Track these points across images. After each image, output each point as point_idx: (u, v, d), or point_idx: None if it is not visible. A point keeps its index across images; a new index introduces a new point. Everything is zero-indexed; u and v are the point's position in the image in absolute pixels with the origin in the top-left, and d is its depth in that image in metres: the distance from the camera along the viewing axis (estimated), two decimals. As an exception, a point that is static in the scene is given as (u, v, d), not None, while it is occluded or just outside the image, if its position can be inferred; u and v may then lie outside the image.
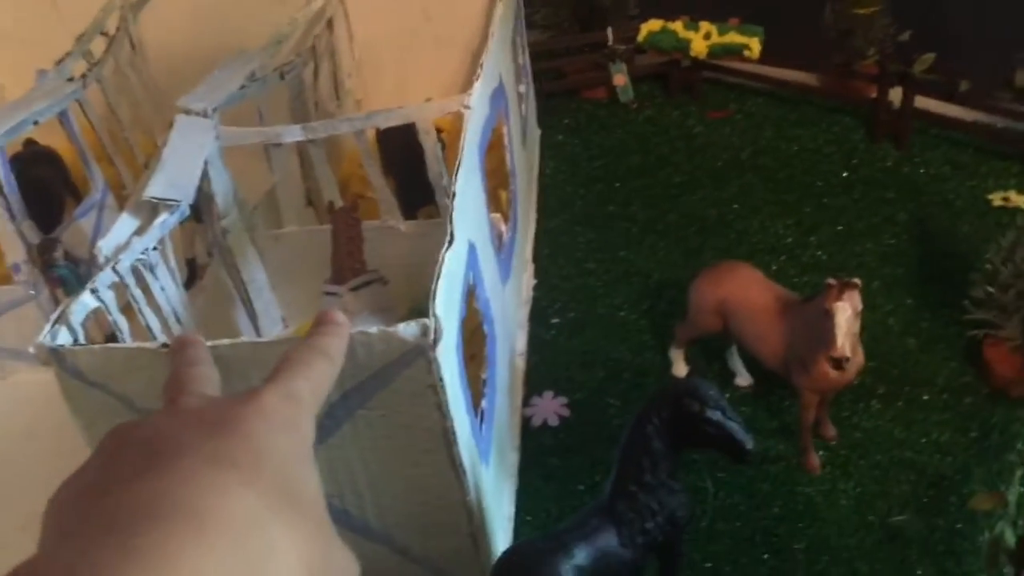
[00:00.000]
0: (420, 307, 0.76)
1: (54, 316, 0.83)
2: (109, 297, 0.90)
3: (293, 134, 1.13)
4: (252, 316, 1.25)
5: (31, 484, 1.19)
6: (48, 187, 1.34)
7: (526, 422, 1.11)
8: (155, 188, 0.98)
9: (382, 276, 1.10)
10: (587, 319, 1.26)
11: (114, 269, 0.92)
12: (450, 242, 0.86)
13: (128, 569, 0.27)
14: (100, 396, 0.80)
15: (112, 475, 0.33)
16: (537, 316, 1.27)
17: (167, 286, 1.00)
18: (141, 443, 0.34)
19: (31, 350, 0.80)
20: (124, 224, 0.98)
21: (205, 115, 1.13)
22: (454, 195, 0.92)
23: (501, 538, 0.94)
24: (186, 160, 1.04)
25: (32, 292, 1.20)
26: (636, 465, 0.76)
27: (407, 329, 0.75)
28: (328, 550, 0.34)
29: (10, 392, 1.27)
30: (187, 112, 1.13)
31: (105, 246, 0.95)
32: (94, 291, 0.88)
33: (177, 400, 0.38)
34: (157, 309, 0.98)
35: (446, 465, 0.82)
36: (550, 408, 1.12)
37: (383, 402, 0.79)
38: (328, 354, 0.41)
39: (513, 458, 1.07)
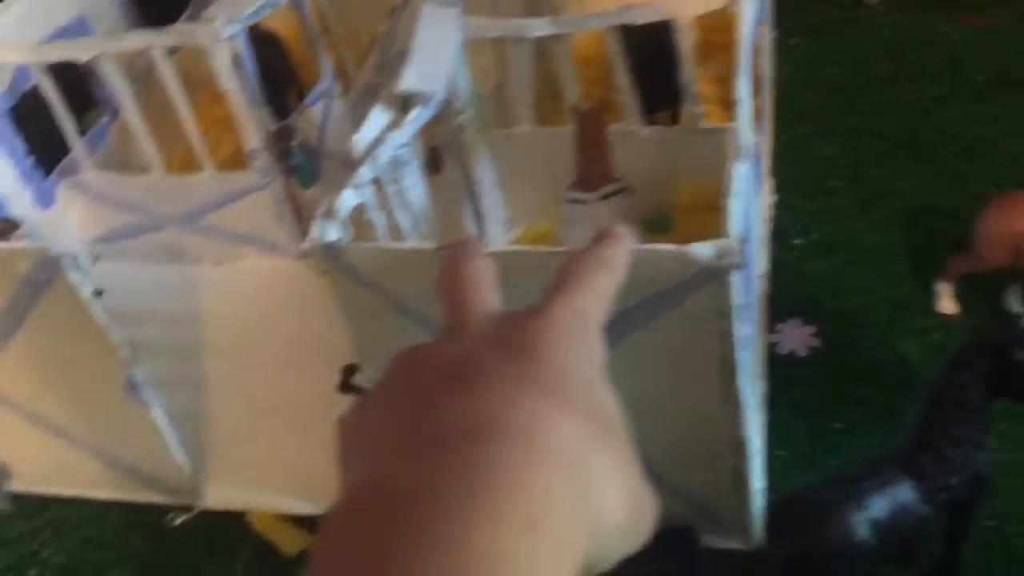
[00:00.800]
0: (656, 219, 0.71)
1: (321, 211, 0.81)
2: (369, 193, 0.88)
3: (540, 28, 1.06)
4: (478, 215, 1.22)
5: (263, 372, 1.22)
6: (275, 71, 1.33)
7: (771, 349, 1.04)
8: (408, 80, 0.94)
9: (628, 184, 1.04)
10: (832, 242, 1.17)
11: (373, 164, 0.89)
12: (740, 156, 0.79)
13: (476, 483, 0.26)
14: (369, 295, 0.78)
15: (416, 399, 0.31)
16: (777, 236, 1.19)
17: (415, 183, 0.97)
18: (438, 368, 0.32)
19: (304, 246, 0.78)
20: (377, 117, 0.94)
21: (448, 4, 1.08)
22: (737, 103, 0.84)
23: (756, 473, 0.88)
24: (436, 52, 1.00)
25: (266, 179, 1.20)
26: (945, 416, 0.69)
27: (702, 250, 0.69)
28: (638, 481, 0.32)
29: (239, 276, 1.29)
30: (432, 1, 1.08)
31: (360, 139, 0.92)
32: (357, 186, 0.86)
33: (465, 322, 0.35)
34: (408, 206, 0.95)
35: (719, 396, 0.77)
36: (798, 337, 1.05)
37: (663, 324, 0.73)
38: (612, 267, 0.38)
39: (760, 387, 1.01)
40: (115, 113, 1.36)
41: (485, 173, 1.20)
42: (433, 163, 1.14)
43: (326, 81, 1.30)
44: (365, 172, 0.88)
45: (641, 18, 1.04)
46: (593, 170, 1.01)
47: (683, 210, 1.15)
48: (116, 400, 0.92)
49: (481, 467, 0.27)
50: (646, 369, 0.77)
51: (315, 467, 1.02)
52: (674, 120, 1.20)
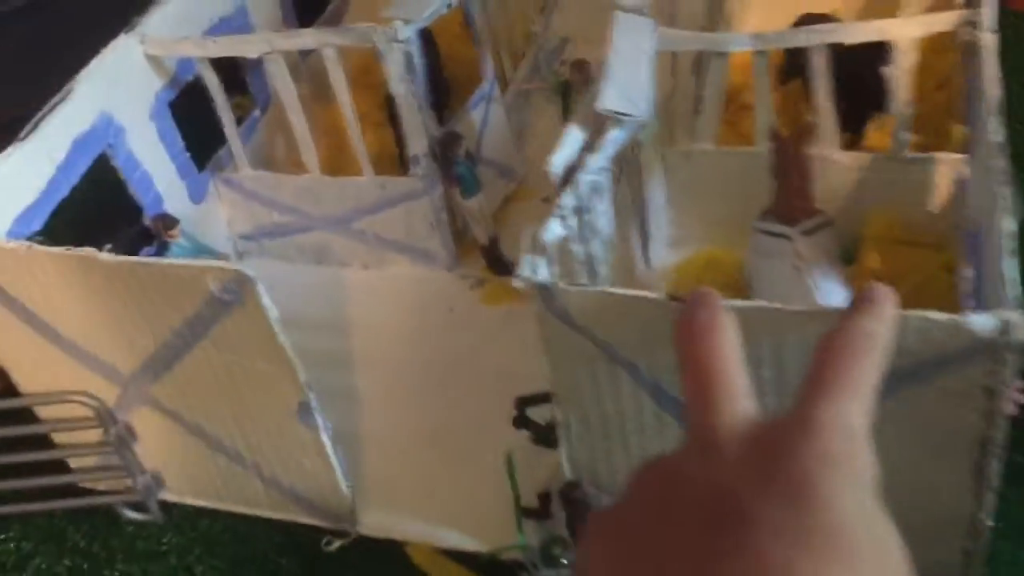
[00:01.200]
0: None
1: (527, 243, 0.75)
2: (573, 223, 0.82)
3: (741, 43, 0.99)
4: (644, 238, 1.15)
5: (421, 391, 1.17)
6: (432, 72, 1.27)
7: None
8: (609, 99, 0.88)
9: (830, 217, 0.96)
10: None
11: (575, 191, 0.83)
12: (1003, 211, 0.70)
13: None
14: (580, 340, 0.72)
15: (672, 540, 0.29)
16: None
17: (607, 210, 0.91)
18: (695, 500, 0.29)
19: (515, 283, 0.72)
20: (573, 137, 0.88)
21: (640, 12, 1.01)
22: (991, 143, 0.75)
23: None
24: (634, 66, 0.93)
25: (427, 187, 1.15)
26: None
27: (982, 322, 0.61)
28: None
29: (388, 283, 1.24)
30: (622, 8, 1.01)
31: (556, 162, 0.86)
32: (562, 216, 0.80)
33: (716, 429, 0.31)
34: (599, 234, 0.89)
35: (967, 474, 0.70)
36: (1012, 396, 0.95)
37: (913, 395, 0.66)
38: (878, 346, 0.33)
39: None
40: (265, 106, 1.32)
41: (656, 193, 1.13)
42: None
43: (487, 84, 1.24)
44: (568, 199, 0.82)
45: (855, 37, 0.95)
46: (794, 201, 0.94)
47: (871, 242, 1.07)
48: (284, 421, 0.88)
49: None
50: (884, 438, 0.70)
51: (479, 500, 0.97)
52: (854, 145, 1.11)
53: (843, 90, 1.06)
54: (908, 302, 1.00)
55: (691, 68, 1.11)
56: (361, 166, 1.17)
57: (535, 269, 0.72)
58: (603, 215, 0.90)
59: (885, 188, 1.06)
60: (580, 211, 0.84)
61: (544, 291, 0.71)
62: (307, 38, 1.07)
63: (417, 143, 1.12)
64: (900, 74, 0.96)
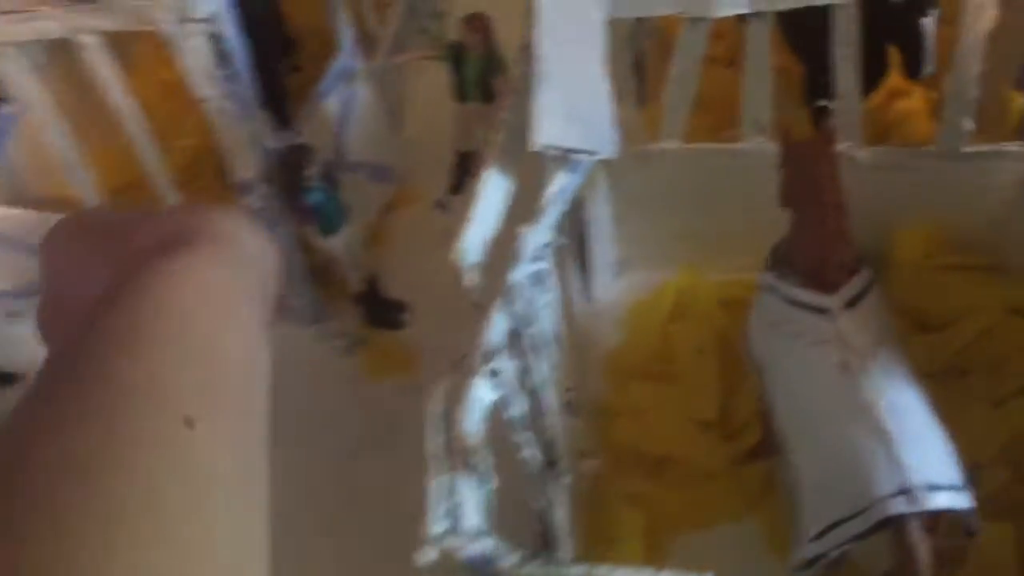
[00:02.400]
0: None
1: (435, 448, 0.41)
2: (510, 368, 0.47)
3: (734, 3, 0.64)
4: (585, 265, 0.82)
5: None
6: (264, 40, 0.88)
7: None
8: (551, 127, 0.52)
9: (870, 269, 0.64)
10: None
11: (507, 307, 0.48)
12: None
13: None
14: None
15: None
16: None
17: (552, 299, 0.57)
18: None
19: (418, 557, 0.38)
20: (490, 198, 0.53)
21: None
22: None
23: None
24: (583, 62, 0.57)
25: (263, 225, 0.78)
26: None
27: None
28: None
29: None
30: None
31: (467, 250, 0.50)
32: (492, 369, 0.45)
33: None
34: (543, 341, 0.55)
35: None
36: None
37: None
38: None
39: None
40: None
41: (599, 210, 0.79)
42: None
43: (344, 57, 0.86)
44: (497, 326, 0.47)
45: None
46: (828, 254, 0.61)
47: (904, 270, 0.76)
48: None
49: None
50: None
51: None
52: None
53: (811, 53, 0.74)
54: (967, 362, 0.71)
55: (626, 37, 0.75)
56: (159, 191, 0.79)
57: (454, 526, 0.38)
58: (545, 311, 0.56)
59: (923, 193, 0.75)
60: (517, 334, 0.49)
61: (481, 571, 0.38)
62: (49, 22, 0.67)
63: (245, 166, 0.74)
64: (971, 36, 0.64)
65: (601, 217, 0.80)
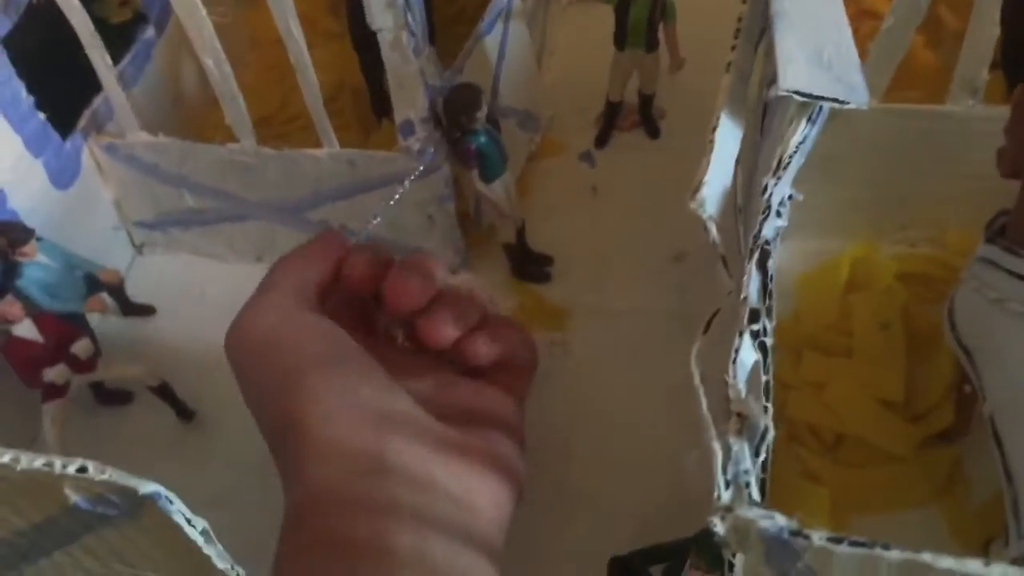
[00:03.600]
0: None
1: (726, 471, 0.37)
2: (767, 326, 0.43)
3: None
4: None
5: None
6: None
7: None
8: (797, 72, 0.48)
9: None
10: None
11: (762, 264, 0.44)
12: None
13: None
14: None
15: None
16: None
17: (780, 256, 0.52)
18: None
19: (713, 524, 0.35)
20: (723, 149, 0.49)
21: None
22: None
23: None
24: (824, 4, 0.52)
25: (425, 166, 0.74)
26: None
27: None
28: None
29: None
30: None
31: (706, 200, 0.46)
32: (757, 334, 0.41)
33: None
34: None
35: None
36: None
37: None
38: None
39: None
40: (162, 19, 0.88)
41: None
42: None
43: (503, -6, 0.81)
44: (753, 283, 0.43)
45: None
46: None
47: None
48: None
49: None
50: None
51: None
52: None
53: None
54: None
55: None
56: (316, 124, 0.75)
57: (756, 515, 0.34)
58: (774, 272, 0.51)
59: None
60: (767, 293, 0.45)
61: (783, 548, 0.34)
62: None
63: (411, 104, 0.70)
64: None
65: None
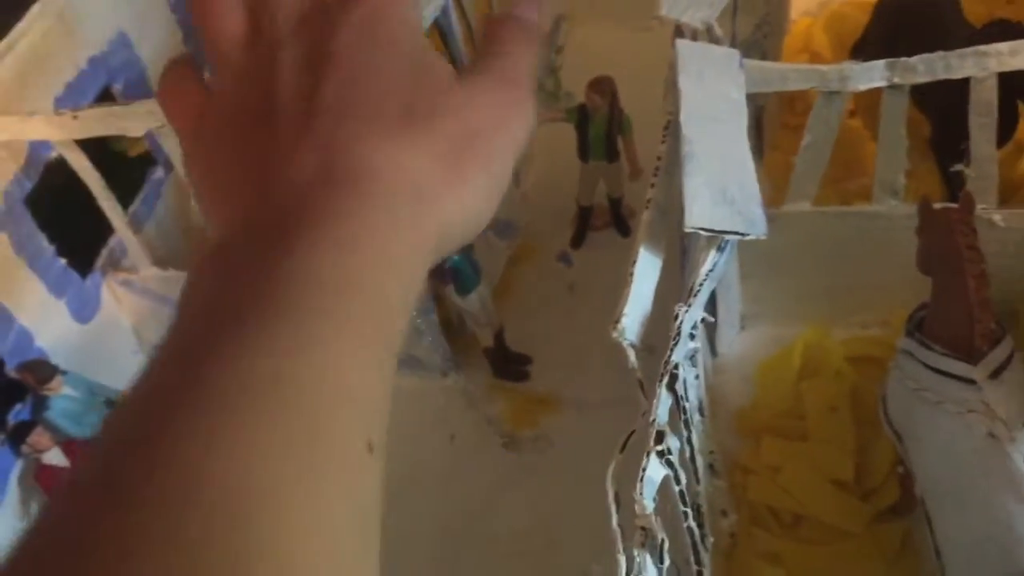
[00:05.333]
0: None
1: (626, 538, 0.43)
2: (676, 445, 0.49)
3: (871, 75, 0.66)
4: (711, 324, 0.83)
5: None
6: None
7: None
8: (701, 209, 0.55)
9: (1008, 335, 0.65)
10: None
11: (671, 386, 0.51)
12: None
13: None
14: None
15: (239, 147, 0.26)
16: None
17: (701, 371, 0.59)
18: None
19: None
20: (643, 278, 0.55)
21: (710, 32, 0.67)
22: None
23: None
24: (728, 139, 0.60)
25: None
26: None
27: None
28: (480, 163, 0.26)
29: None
30: (683, 30, 0.67)
31: (627, 326, 0.53)
32: (660, 452, 0.47)
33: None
34: (693, 415, 0.57)
35: None
36: None
37: None
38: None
39: None
40: (169, 164, 0.97)
41: (728, 268, 0.81)
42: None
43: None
44: (663, 404, 0.50)
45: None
46: (972, 323, 0.62)
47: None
48: None
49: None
50: None
51: None
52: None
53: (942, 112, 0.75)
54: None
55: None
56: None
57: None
58: (693, 385, 0.58)
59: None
60: (679, 411, 0.52)
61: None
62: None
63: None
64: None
65: (728, 275, 0.82)
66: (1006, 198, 0.86)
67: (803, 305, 0.84)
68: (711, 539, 0.63)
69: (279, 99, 0.26)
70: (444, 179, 0.25)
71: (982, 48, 0.63)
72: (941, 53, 0.64)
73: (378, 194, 0.24)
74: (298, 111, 0.25)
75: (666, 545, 0.43)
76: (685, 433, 0.53)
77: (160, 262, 0.90)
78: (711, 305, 0.82)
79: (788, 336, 0.85)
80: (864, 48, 0.93)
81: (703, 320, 0.56)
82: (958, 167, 0.72)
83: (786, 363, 0.82)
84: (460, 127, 0.26)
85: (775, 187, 0.81)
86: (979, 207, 0.73)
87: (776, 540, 0.72)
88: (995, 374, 0.61)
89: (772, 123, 0.96)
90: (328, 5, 0.27)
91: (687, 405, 0.52)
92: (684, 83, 0.62)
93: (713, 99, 0.61)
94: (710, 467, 0.65)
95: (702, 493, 0.58)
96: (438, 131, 0.26)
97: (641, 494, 0.44)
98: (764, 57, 0.91)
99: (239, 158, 0.26)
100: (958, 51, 0.63)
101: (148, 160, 0.96)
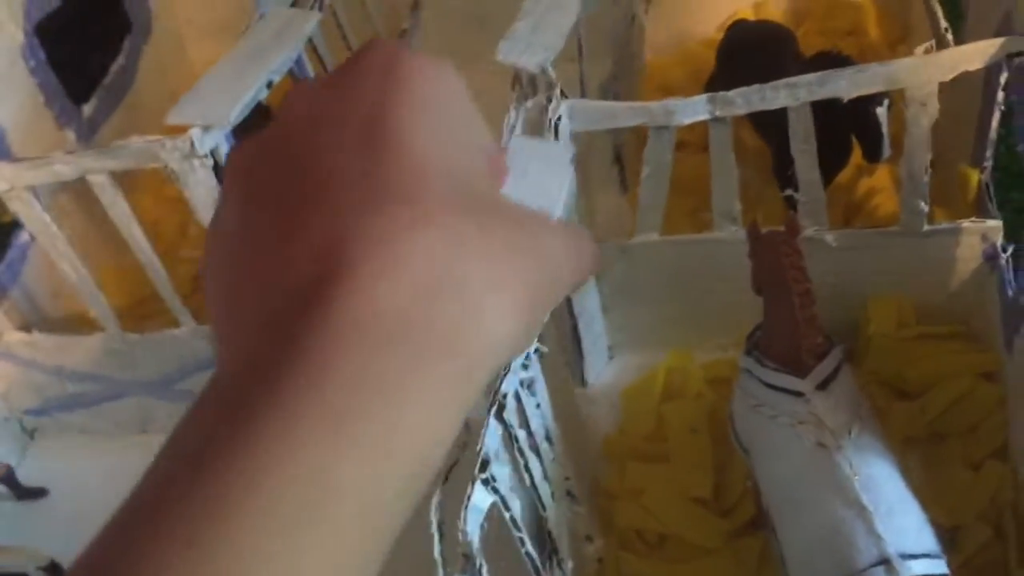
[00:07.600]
0: None
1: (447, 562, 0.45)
2: (505, 475, 0.51)
3: (694, 111, 0.69)
4: (578, 356, 0.86)
5: None
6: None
7: None
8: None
9: (837, 345, 0.68)
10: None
11: (499, 415, 0.52)
12: None
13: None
14: None
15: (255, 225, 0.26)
16: None
17: (543, 400, 0.61)
18: (275, 170, 0.26)
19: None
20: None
21: (547, 80, 0.70)
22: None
23: None
24: (545, 179, 0.62)
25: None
26: None
27: None
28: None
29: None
30: (519, 76, 0.70)
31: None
32: (487, 481, 0.49)
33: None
34: (537, 440, 0.59)
35: None
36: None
37: None
38: None
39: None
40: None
41: (587, 303, 0.84)
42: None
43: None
44: (491, 435, 0.51)
45: (855, 89, 0.67)
46: (799, 340, 0.65)
47: (879, 342, 0.80)
48: None
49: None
50: None
51: None
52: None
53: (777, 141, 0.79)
54: (944, 427, 0.75)
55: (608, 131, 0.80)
56: (171, 308, 0.83)
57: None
58: (536, 413, 0.60)
59: (890, 269, 0.79)
60: (511, 439, 0.53)
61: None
62: (60, 165, 0.72)
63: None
64: (917, 130, 0.69)
65: (590, 306, 0.84)
66: (849, 219, 0.91)
67: (665, 331, 0.87)
68: (570, 564, 0.64)
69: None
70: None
71: (792, 80, 0.67)
72: (757, 86, 0.68)
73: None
74: None
75: (485, 570, 0.44)
76: (522, 460, 0.54)
77: (28, 324, 0.90)
78: (575, 338, 0.85)
79: (655, 362, 0.87)
80: (713, 84, 0.97)
81: (536, 350, 0.58)
82: (789, 192, 0.76)
83: (649, 388, 0.84)
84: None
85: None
86: (812, 229, 0.77)
87: (642, 562, 0.74)
88: (822, 385, 0.64)
89: (632, 159, 1.00)
90: None
91: (519, 433, 0.54)
92: (509, 180, 0.64)
93: (533, 194, 0.63)
94: (568, 492, 0.66)
95: (551, 519, 0.60)
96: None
97: (465, 521, 0.46)
98: (618, 97, 0.95)
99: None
100: (772, 83, 0.67)
101: (14, 224, 0.96)
